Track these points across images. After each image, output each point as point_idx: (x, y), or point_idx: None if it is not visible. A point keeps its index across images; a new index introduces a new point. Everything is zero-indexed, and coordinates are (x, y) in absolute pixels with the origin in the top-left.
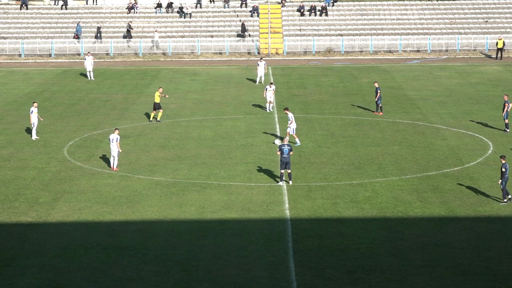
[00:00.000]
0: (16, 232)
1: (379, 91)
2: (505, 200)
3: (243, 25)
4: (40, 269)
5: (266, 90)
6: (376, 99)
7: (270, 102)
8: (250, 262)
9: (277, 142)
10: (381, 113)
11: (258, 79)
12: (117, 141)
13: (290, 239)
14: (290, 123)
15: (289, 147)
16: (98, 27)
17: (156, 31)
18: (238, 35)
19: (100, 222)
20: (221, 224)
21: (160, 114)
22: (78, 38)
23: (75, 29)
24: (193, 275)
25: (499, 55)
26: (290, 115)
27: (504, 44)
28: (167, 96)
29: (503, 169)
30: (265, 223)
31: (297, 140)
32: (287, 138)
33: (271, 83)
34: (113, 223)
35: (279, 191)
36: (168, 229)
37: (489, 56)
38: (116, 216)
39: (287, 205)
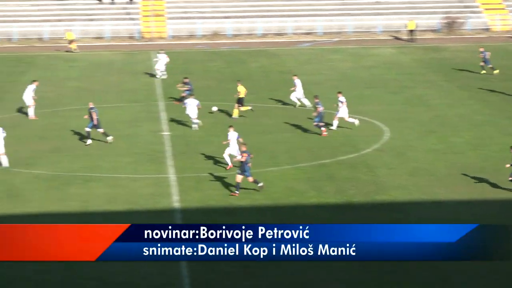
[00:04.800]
0: None
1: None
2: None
3: None
4: None
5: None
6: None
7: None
8: None
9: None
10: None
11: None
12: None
13: None
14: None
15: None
16: None
17: None
18: None
19: None
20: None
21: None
22: None
23: None
24: None
25: (410, 37)
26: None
27: (416, 26)
28: None
29: None
30: (154, 214)
31: None
32: None
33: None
34: None
35: (166, 183)
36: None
37: (398, 39)
38: None
39: (177, 197)
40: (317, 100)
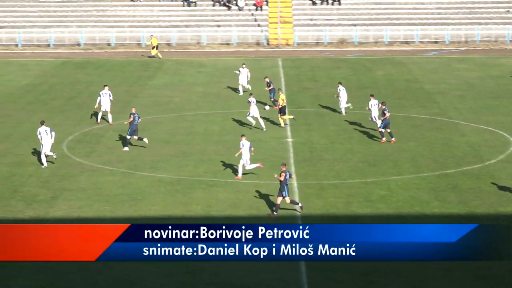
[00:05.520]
0: None
1: (271, 85)
2: None
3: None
4: (37, 270)
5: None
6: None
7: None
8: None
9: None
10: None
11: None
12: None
13: None
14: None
15: (138, 115)
16: None
17: None
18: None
19: (101, 219)
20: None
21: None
22: None
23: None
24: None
25: None
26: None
27: None
28: None
29: None
30: (274, 220)
31: None
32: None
33: None
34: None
35: (289, 190)
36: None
37: None
38: (117, 214)
39: (299, 204)
40: (384, 107)
